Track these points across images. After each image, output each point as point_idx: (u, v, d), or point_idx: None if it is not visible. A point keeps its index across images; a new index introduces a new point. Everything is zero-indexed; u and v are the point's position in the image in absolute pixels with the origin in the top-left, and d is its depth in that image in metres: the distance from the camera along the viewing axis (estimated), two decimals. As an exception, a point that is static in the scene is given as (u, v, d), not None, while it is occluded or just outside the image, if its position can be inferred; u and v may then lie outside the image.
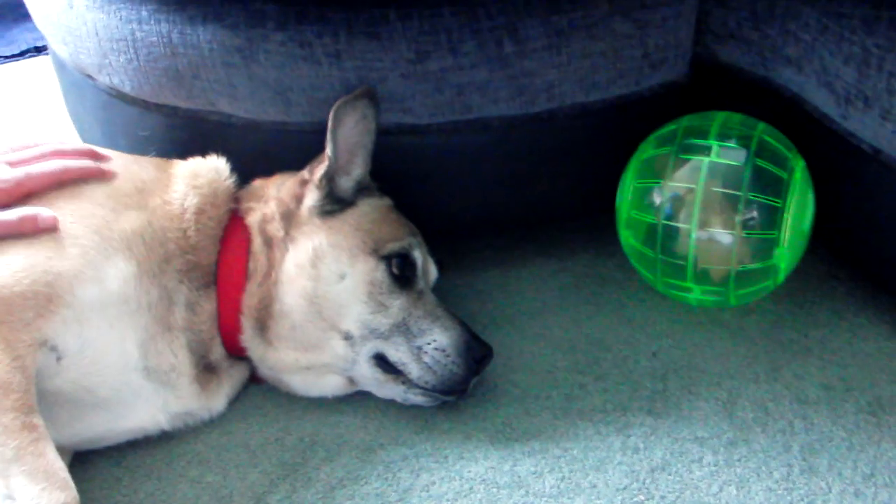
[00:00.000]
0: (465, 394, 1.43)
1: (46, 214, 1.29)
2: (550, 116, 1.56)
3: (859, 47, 1.38)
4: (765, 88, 1.62)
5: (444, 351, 1.40)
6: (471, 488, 1.31)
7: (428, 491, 1.31)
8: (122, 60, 1.62)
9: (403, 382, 1.42)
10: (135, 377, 1.34)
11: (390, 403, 1.46)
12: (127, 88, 1.66)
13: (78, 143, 1.49)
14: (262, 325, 1.43)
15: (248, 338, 1.44)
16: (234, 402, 1.48)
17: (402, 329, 1.41)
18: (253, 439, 1.42)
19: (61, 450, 1.21)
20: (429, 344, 1.40)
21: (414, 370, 1.40)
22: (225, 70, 1.51)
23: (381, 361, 1.42)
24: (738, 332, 1.58)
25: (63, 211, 1.33)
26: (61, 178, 1.37)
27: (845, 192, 1.54)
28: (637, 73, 1.58)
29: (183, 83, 1.57)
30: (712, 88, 1.70)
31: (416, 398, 1.42)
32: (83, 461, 1.35)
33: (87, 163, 1.41)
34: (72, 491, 1.14)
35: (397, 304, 1.42)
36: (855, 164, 1.47)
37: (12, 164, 1.37)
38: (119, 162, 1.48)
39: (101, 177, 1.41)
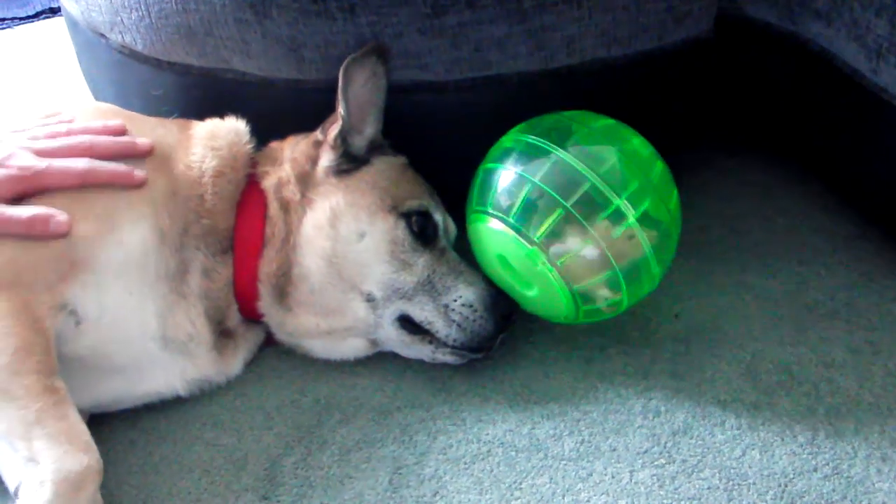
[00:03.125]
0: (492, 350, 1.41)
1: (61, 218, 1.24)
2: (570, 73, 1.52)
3: (892, -2, 1.34)
4: (792, 44, 1.58)
5: (471, 306, 1.38)
6: (489, 451, 1.29)
7: (445, 454, 1.29)
8: (133, 18, 1.59)
9: (430, 342, 1.40)
10: (152, 346, 1.33)
11: (407, 365, 1.45)
12: (139, 47, 1.64)
13: (122, 130, 1.41)
14: (281, 291, 1.41)
15: (266, 304, 1.43)
16: (250, 364, 1.47)
17: (427, 287, 1.39)
18: (268, 401, 1.41)
19: (78, 411, 1.20)
20: (455, 301, 1.38)
21: (441, 328, 1.38)
22: (237, 26, 1.48)
23: (407, 322, 1.40)
24: (763, 294, 1.55)
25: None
26: (84, 180, 1.29)
27: (875, 150, 1.50)
28: (660, 27, 1.53)
29: (195, 40, 1.54)
30: (737, 45, 1.66)
31: (445, 357, 1.40)
32: (98, 423, 1.34)
33: (116, 166, 1.32)
34: (94, 453, 1.15)
35: (421, 261, 1.40)
36: (886, 121, 1.43)
37: (38, 153, 1.29)
38: (146, 126, 1.45)
39: (128, 183, 1.33)
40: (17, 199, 1.25)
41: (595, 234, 1.28)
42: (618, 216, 1.28)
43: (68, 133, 1.36)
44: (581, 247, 1.29)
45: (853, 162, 1.47)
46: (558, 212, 1.29)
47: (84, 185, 1.29)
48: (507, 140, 1.40)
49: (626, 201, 1.28)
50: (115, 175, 1.32)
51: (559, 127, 1.37)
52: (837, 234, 1.69)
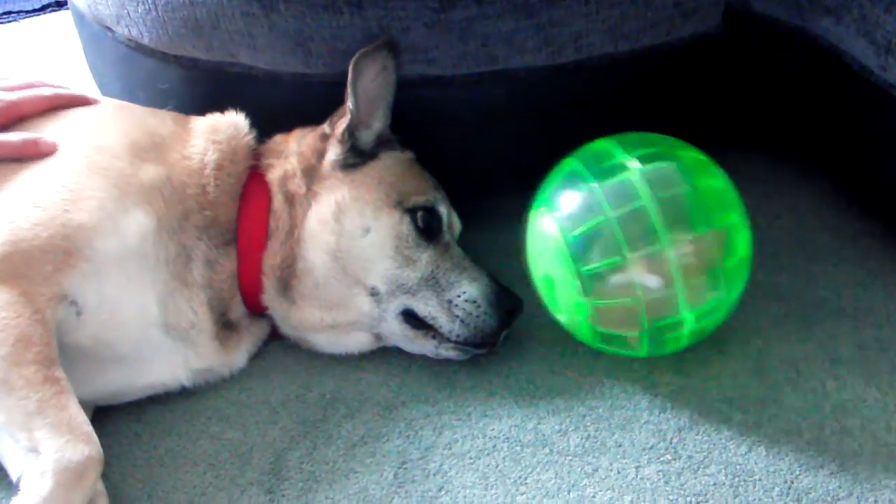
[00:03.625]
0: (495, 346, 1.41)
1: (48, 140, 1.34)
2: (577, 68, 1.52)
3: (902, -6, 1.33)
4: (800, 40, 1.57)
5: (474, 302, 1.38)
6: (494, 446, 1.29)
7: (450, 449, 1.29)
8: (140, 11, 1.59)
9: (434, 337, 1.40)
10: (154, 333, 1.33)
11: (412, 360, 1.44)
12: (145, 40, 1.64)
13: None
14: (285, 285, 1.41)
15: (271, 297, 1.42)
16: (255, 358, 1.47)
17: (431, 283, 1.39)
18: (274, 396, 1.41)
19: (82, 405, 1.20)
20: (458, 296, 1.38)
21: (445, 324, 1.38)
22: (244, 20, 1.48)
23: (410, 317, 1.40)
24: (770, 290, 1.54)
25: (80, 163, 1.31)
26: (53, 102, 1.45)
27: (884, 147, 1.50)
28: (668, 23, 1.53)
29: (202, 34, 1.54)
30: (745, 41, 1.65)
31: (448, 352, 1.40)
32: (103, 416, 1.35)
33: (73, 92, 1.50)
34: (95, 444, 1.14)
35: (425, 257, 1.40)
36: (894, 117, 1.42)
37: (6, 90, 1.44)
38: (136, 114, 1.46)
39: (89, 103, 1.49)
40: None
41: (642, 295, 1.26)
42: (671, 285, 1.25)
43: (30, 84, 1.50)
44: (622, 299, 1.28)
45: (861, 159, 1.46)
46: (617, 259, 1.25)
47: (54, 107, 1.44)
48: (610, 148, 1.33)
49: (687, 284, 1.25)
50: (76, 98, 1.49)
51: (665, 155, 1.32)
52: (845, 231, 1.68)
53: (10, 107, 1.41)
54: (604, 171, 1.29)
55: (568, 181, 1.33)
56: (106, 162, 1.33)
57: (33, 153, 1.32)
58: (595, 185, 1.28)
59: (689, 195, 1.27)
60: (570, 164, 1.35)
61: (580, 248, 1.28)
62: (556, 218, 1.31)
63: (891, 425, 1.27)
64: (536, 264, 1.38)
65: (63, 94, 1.47)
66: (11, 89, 1.45)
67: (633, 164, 1.28)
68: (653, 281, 1.25)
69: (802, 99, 1.65)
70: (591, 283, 1.27)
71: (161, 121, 1.46)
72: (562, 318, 1.38)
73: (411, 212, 1.41)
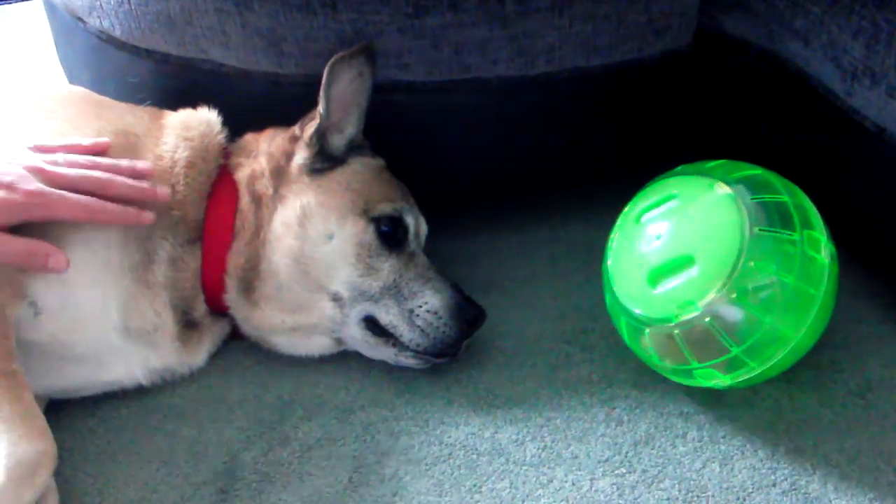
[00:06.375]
0: (456, 356, 1.41)
1: (61, 257, 1.20)
2: (549, 80, 1.53)
3: (869, 21, 1.35)
4: (769, 62, 1.59)
5: (435, 313, 1.37)
6: (450, 454, 1.29)
7: (406, 455, 1.29)
8: (112, 3, 1.58)
9: (394, 345, 1.39)
10: (113, 337, 1.31)
11: (372, 365, 1.44)
12: (117, 32, 1.62)
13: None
14: (248, 285, 1.40)
15: (233, 297, 1.42)
16: (214, 357, 1.46)
17: (393, 292, 1.38)
18: (231, 395, 1.40)
19: (37, 397, 1.19)
20: (420, 307, 1.38)
21: (405, 333, 1.38)
22: (217, 16, 1.47)
23: (372, 324, 1.40)
24: (730, 309, 1.55)
25: None
26: (93, 217, 1.25)
27: (844, 172, 1.52)
28: (640, 39, 1.54)
29: (174, 29, 1.53)
30: (715, 61, 1.67)
31: (408, 361, 1.40)
32: (57, 410, 1.33)
33: (125, 210, 1.27)
34: (50, 440, 1.13)
35: (387, 266, 1.39)
36: (857, 142, 1.44)
37: (50, 179, 1.22)
38: (115, 112, 1.44)
39: (135, 224, 1.30)
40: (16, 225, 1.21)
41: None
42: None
43: (93, 166, 1.29)
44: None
45: (824, 182, 1.48)
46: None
47: (92, 221, 1.25)
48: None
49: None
50: (125, 216, 1.28)
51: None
52: (806, 253, 1.70)
53: (42, 204, 1.19)
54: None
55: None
56: None
57: (40, 267, 1.19)
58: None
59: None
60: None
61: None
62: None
63: (843, 446, 1.29)
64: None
65: (110, 210, 1.25)
66: (58, 180, 1.22)
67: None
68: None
69: (769, 120, 1.67)
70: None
71: (138, 119, 1.44)
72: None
73: (376, 220, 1.40)
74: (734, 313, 1.22)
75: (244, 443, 1.31)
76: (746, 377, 1.27)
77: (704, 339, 1.23)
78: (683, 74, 1.64)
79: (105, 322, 1.30)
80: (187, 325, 1.41)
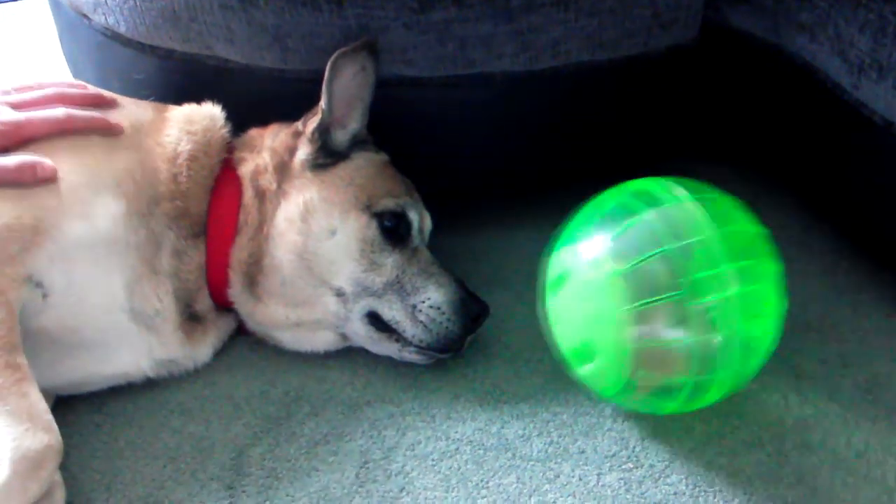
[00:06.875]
0: (460, 351, 1.41)
1: (47, 164, 1.25)
2: (554, 75, 1.52)
3: (876, 15, 1.34)
4: (775, 56, 1.58)
5: (438, 309, 1.37)
6: (457, 449, 1.29)
7: (413, 450, 1.29)
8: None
9: (398, 340, 1.39)
10: (121, 317, 1.31)
11: (378, 360, 1.44)
12: (122, 29, 1.62)
13: (86, 87, 1.46)
14: (252, 280, 1.40)
15: (237, 292, 1.42)
16: (220, 353, 1.46)
17: (396, 287, 1.38)
18: (237, 391, 1.40)
19: (44, 393, 1.19)
20: (423, 302, 1.38)
21: (408, 328, 1.38)
22: (223, 13, 1.47)
23: (375, 319, 1.40)
24: (736, 304, 1.55)
25: (53, 144, 1.29)
26: (64, 126, 1.32)
27: (852, 165, 1.51)
28: (645, 33, 1.54)
29: (179, 25, 1.53)
30: (721, 55, 1.66)
31: (411, 356, 1.40)
32: (64, 406, 1.33)
33: (93, 113, 1.36)
34: (55, 434, 1.13)
35: (390, 261, 1.39)
36: (864, 136, 1.44)
37: (14, 106, 1.33)
38: (122, 104, 1.44)
39: (108, 130, 1.36)
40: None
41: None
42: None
43: (38, 86, 1.39)
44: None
45: (830, 176, 1.48)
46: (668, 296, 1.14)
47: (63, 132, 1.32)
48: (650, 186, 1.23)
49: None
50: (93, 121, 1.35)
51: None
52: (812, 247, 1.70)
53: (15, 129, 1.29)
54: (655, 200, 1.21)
55: (617, 211, 1.24)
56: (81, 145, 1.32)
57: (29, 179, 1.24)
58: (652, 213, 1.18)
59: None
60: (625, 192, 1.27)
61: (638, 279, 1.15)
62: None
63: (850, 441, 1.28)
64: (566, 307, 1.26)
65: (77, 117, 1.34)
66: (21, 104, 1.34)
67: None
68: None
69: (775, 114, 1.67)
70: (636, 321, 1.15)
71: (143, 110, 1.46)
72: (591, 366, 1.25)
73: (379, 216, 1.40)
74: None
75: (251, 439, 1.31)
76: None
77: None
78: (689, 69, 1.64)
79: (112, 301, 1.30)
80: (192, 318, 1.41)
